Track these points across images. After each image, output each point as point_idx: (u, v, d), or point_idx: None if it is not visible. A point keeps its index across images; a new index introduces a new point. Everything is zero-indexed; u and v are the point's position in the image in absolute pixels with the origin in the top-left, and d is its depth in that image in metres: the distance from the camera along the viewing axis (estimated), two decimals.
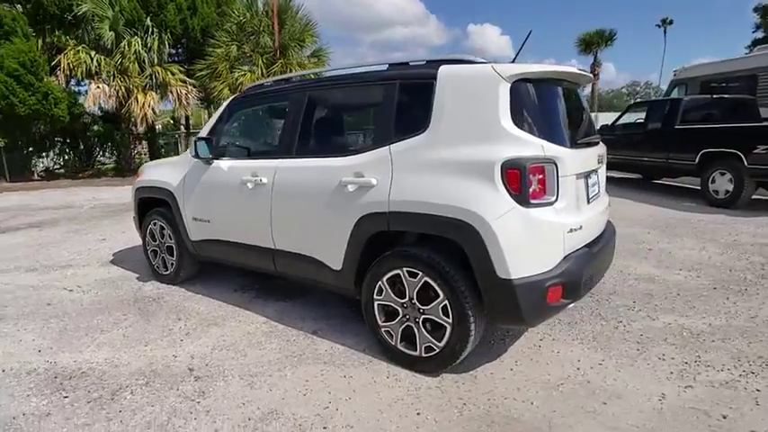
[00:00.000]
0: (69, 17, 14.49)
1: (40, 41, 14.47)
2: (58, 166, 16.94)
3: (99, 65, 14.23)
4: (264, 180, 3.42)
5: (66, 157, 16.96)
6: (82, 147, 17.27)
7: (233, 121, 3.96)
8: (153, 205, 4.54)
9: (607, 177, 3.56)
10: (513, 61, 2.97)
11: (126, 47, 14.54)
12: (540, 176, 2.46)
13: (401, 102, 2.84)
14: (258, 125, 4.01)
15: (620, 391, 2.61)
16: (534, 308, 2.49)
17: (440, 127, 2.65)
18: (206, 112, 24.56)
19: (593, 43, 33.61)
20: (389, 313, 2.91)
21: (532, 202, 2.43)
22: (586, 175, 2.87)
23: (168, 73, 15.75)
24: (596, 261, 2.83)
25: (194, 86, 16.64)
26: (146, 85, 15.47)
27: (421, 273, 2.68)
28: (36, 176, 15.86)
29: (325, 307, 3.85)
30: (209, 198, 3.92)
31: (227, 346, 3.23)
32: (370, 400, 2.57)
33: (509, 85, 2.51)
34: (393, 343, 2.90)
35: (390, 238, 2.90)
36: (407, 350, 2.85)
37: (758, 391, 2.61)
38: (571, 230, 2.57)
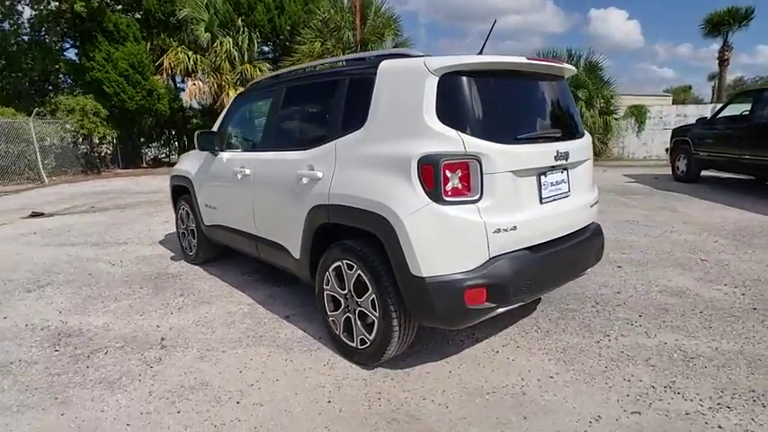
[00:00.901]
0: (173, 21, 16.23)
1: (148, 44, 16.42)
2: (163, 155, 19.15)
3: (195, 63, 15.78)
4: (248, 171, 3.66)
5: (170, 147, 19.08)
6: (184, 138, 19.31)
7: (236, 115, 4.27)
8: (182, 192, 5.04)
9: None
10: (480, 52, 2.86)
11: (219, 46, 15.93)
12: (461, 173, 2.36)
13: (348, 97, 2.88)
14: (252, 119, 4.28)
15: (552, 407, 2.42)
16: (451, 309, 2.41)
17: (374, 122, 2.65)
18: None
19: (722, 23, 29.37)
20: (336, 303, 2.98)
21: (448, 199, 2.34)
22: (540, 173, 2.68)
23: (257, 70, 16.95)
24: (544, 265, 2.65)
25: None
26: (236, 82, 16.83)
27: (356, 266, 2.72)
28: (144, 164, 18.10)
29: (309, 294, 4.01)
30: (215, 187, 4.28)
31: (205, 322, 3.54)
32: (294, 383, 2.68)
33: (437, 78, 2.44)
34: (337, 332, 2.98)
35: (339, 230, 2.96)
36: (347, 341, 2.90)
37: (720, 428, 2.27)
38: (499, 230, 2.42)
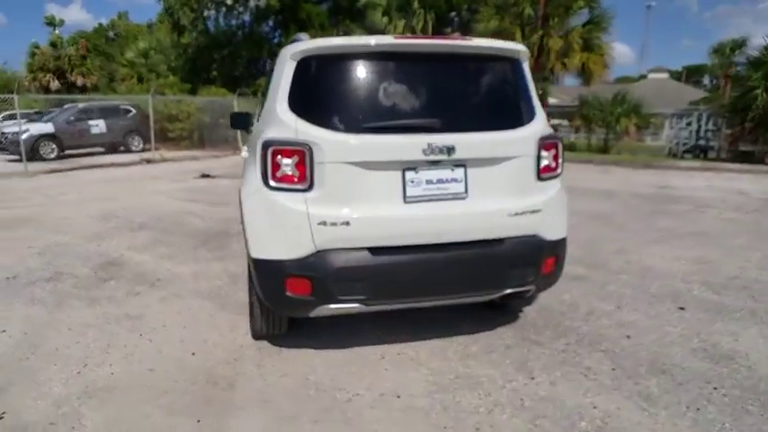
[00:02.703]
0: (358, 7, 17.72)
1: (335, 30, 18.32)
2: None
3: None
4: None
5: None
6: None
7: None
8: None
9: None
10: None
11: (392, 30, 16.78)
12: (297, 161, 2.28)
13: (266, 83, 2.99)
14: None
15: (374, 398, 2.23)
16: (272, 294, 2.43)
17: (261, 108, 2.73)
18: None
19: None
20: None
21: (275, 185, 2.32)
22: (406, 168, 2.35)
23: None
24: (392, 271, 2.37)
25: None
26: None
27: None
28: None
29: None
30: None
31: (215, 276, 4.15)
32: (195, 333, 3.06)
33: (294, 63, 2.37)
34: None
35: None
36: (249, 315, 3.08)
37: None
38: (325, 223, 2.27)
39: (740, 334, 3.11)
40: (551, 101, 29.96)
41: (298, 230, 2.30)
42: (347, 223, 2.29)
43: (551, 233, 2.66)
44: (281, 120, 2.36)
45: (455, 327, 3.15)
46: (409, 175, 2.36)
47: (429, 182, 2.38)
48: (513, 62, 2.61)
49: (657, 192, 8.58)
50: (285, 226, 2.33)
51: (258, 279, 2.44)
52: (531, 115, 2.59)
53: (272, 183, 2.32)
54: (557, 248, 2.70)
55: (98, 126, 14.91)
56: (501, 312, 3.34)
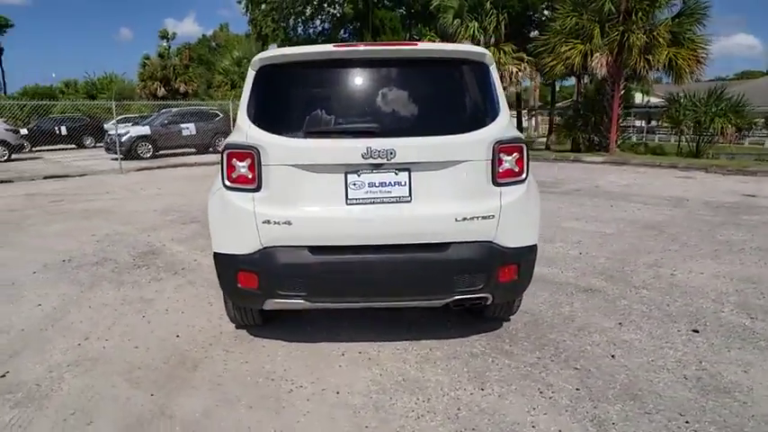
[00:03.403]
0: (430, 10, 17.71)
1: (407, 34, 18.47)
2: None
3: None
4: None
5: None
6: None
7: None
8: None
9: None
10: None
11: (463, 31, 16.56)
12: (245, 163, 2.45)
13: None
14: None
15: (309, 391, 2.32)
16: (227, 285, 2.62)
17: None
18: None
19: None
20: None
21: (230, 185, 2.50)
22: (348, 171, 2.40)
23: (500, 52, 16.85)
24: (331, 270, 2.44)
25: (531, 64, 17.10)
26: None
27: None
28: None
29: None
30: None
31: None
32: (189, 318, 3.36)
33: (254, 73, 2.55)
34: None
35: None
36: None
37: None
38: (269, 222, 2.40)
39: (754, 365, 2.73)
40: (650, 100, 27.68)
41: (246, 228, 2.46)
42: (289, 223, 2.41)
43: (511, 240, 2.55)
44: (239, 125, 2.55)
45: (431, 330, 3.13)
46: (351, 178, 2.41)
47: (372, 185, 2.42)
48: (470, 65, 2.55)
49: (739, 200, 7.62)
50: (237, 223, 2.50)
51: (217, 271, 2.64)
52: (488, 119, 2.51)
53: (227, 183, 2.51)
54: (518, 256, 2.58)
55: (188, 129, 16.49)
56: (486, 320, 3.24)
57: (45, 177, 11.28)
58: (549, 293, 3.80)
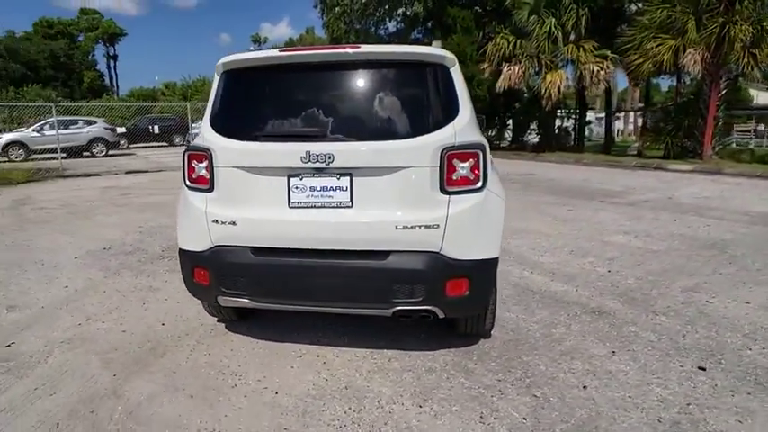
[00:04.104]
0: (504, 6, 17.08)
1: (480, 33, 17.96)
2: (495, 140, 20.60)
3: (513, 48, 16.22)
4: None
5: (494, 131, 20.38)
6: (509, 122, 20.27)
7: None
8: None
9: None
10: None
11: (538, 28, 15.77)
12: (203, 164, 2.56)
13: None
14: None
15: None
16: (186, 280, 2.75)
17: None
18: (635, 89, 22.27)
19: None
20: None
21: (189, 185, 2.64)
22: (291, 175, 2.41)
23: (580, 50, 15.81)
24: (272, 272, 2.48)
25: (615, 62, 15.87)
26: (557, 64, 16.28)
27: None
28: None
29: None
30: None
31: None
32: (180, 309, 3.56)
33: (218, 78, 2.66)
34: None
35: None
36: None
37: None
38: (217, 221, 2.49)
39: (757, 414, 2.33)
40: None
41: (200, 226, 2.58)
42: (234, 223, 2.48)
43: (461, 252, 2.40)
44: (201, 128, 2.68)
45: (401, 340, 3.05)
46: (294, 181, 2.42)
47: (313, 189, 2.41)
48: (424, 68, 2.45)
49: None
50: (193, 222, 2.63)
51: (180, 266, 2.80)
52: (438, 124, 2.38)
53: (187, 183, 2.66)
54: (470, 270, 2.42)
55: None
56: (460, 336, 3.08)
57: (127, 172, 12.63)
58: (549, 312, 3.52)
